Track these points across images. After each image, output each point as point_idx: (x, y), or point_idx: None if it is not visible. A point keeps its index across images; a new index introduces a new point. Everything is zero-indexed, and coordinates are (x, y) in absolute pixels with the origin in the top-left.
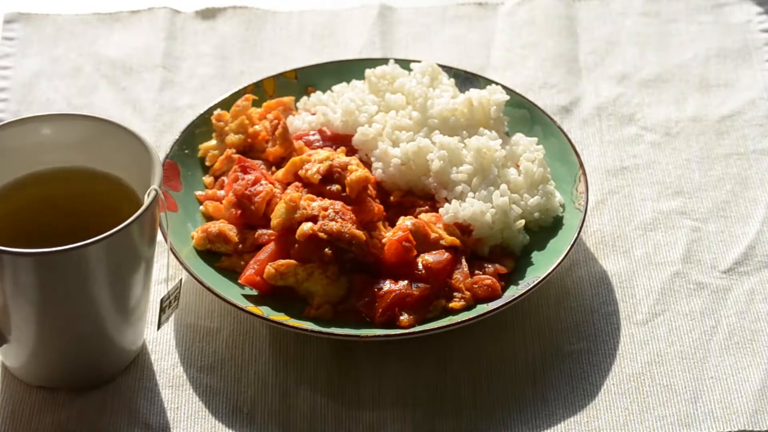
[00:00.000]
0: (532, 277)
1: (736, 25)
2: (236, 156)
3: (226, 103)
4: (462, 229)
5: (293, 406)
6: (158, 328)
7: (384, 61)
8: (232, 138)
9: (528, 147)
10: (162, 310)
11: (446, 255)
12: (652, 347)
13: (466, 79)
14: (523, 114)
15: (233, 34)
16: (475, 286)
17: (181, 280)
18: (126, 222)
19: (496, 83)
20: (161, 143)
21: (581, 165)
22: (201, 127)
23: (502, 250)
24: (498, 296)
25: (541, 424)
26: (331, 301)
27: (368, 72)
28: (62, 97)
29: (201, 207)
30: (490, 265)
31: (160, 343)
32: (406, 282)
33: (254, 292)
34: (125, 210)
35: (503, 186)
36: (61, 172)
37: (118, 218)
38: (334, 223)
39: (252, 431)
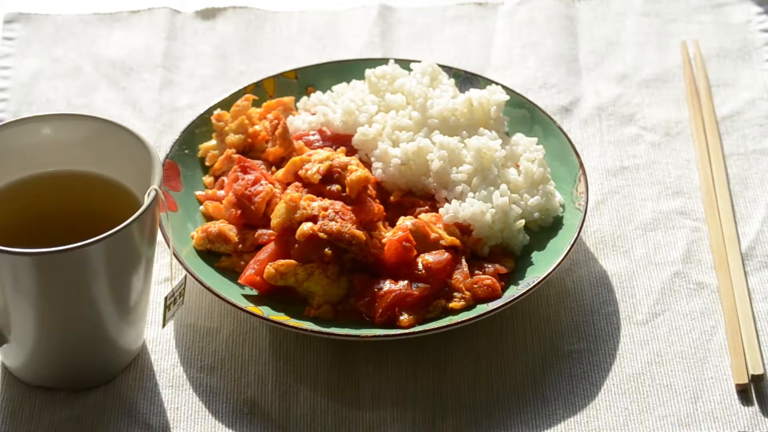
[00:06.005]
0: (532, 277)
1: (736, 25)
2: (236, 156)
3: (226, 103)
4: (462, 229)
5: (293, 406)
6: (163, 325)
7: (384, 61)
8: (232, 138)
9: (528, 147)
10: (167, 308)
11: (446, 255)
12: (652, 347)
13: (466, 79)
14: (523, 114)
15: (233, 34)
16: (475, 286)
17: (185, 276)
18: (126, 222)
19: (496, 83)
20: (161, 143)
21: (581, 165)
22: (201, 127)
23: (502, 250)
24: (498, 296)
25: (541, 424)
26: (331, 301)
27: (368, 72)
28: (62, 97)
29: (201, 207)
30: (490, 265)
31: (160, 343)
32: (406, 282)
33: (254, 292)
34: (125, 210)
35: (503, 186)
36: (61, 174)
37: (118, 218)
38: (334, 223)
39: (252, 431)
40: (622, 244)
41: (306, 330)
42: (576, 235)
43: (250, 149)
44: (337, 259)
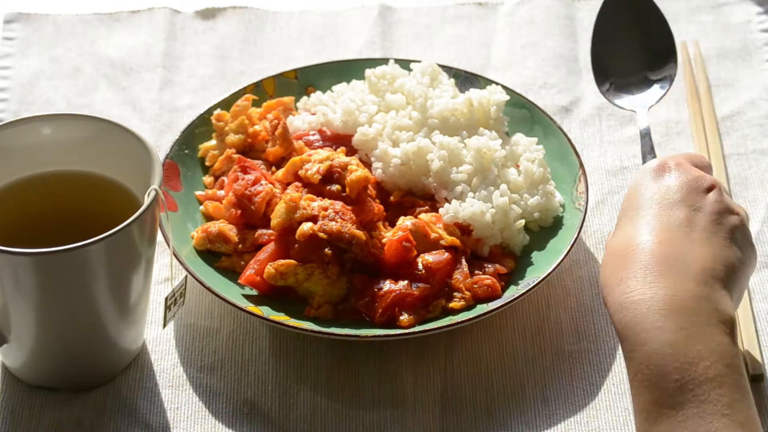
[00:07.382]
0: (532, 277)
1: (736, 25)
2: (236, 156)
3: (226, 103)
4: (462, 229)
5: (293, 406)
6: (164, 326)
7: (384, 61)
8: (232, 138)
9: (528, 147)
10: (167, 308)
11: (446, 255)
12: None
13: (466, 79)
14: (523, 114)
15: (233, 34)
16: (475, 286)
17: (186, 277)
18: (126, 222)
19: (496, 83)
20: (161, 143)
21: (581, 165)
22: (201, 127)
23: (502, 250)
24: (498, 296)
25: (541, 424)
26: (331, 301)
27: (368, 72)
28: (62, 97)
29: (201, 207)
30: (490, 265)
31: (160, 343)
32: (406, 282)
33: (254, 292)
34: (125, 210)
35: (503, 186)
36: (61, 174)
37: (118, 218)
38: (334, 223)
39: (252, 431)
40: None
41: (306, 330)
42: (576, 235)
43: (250, 149)
44: (337, 259)
